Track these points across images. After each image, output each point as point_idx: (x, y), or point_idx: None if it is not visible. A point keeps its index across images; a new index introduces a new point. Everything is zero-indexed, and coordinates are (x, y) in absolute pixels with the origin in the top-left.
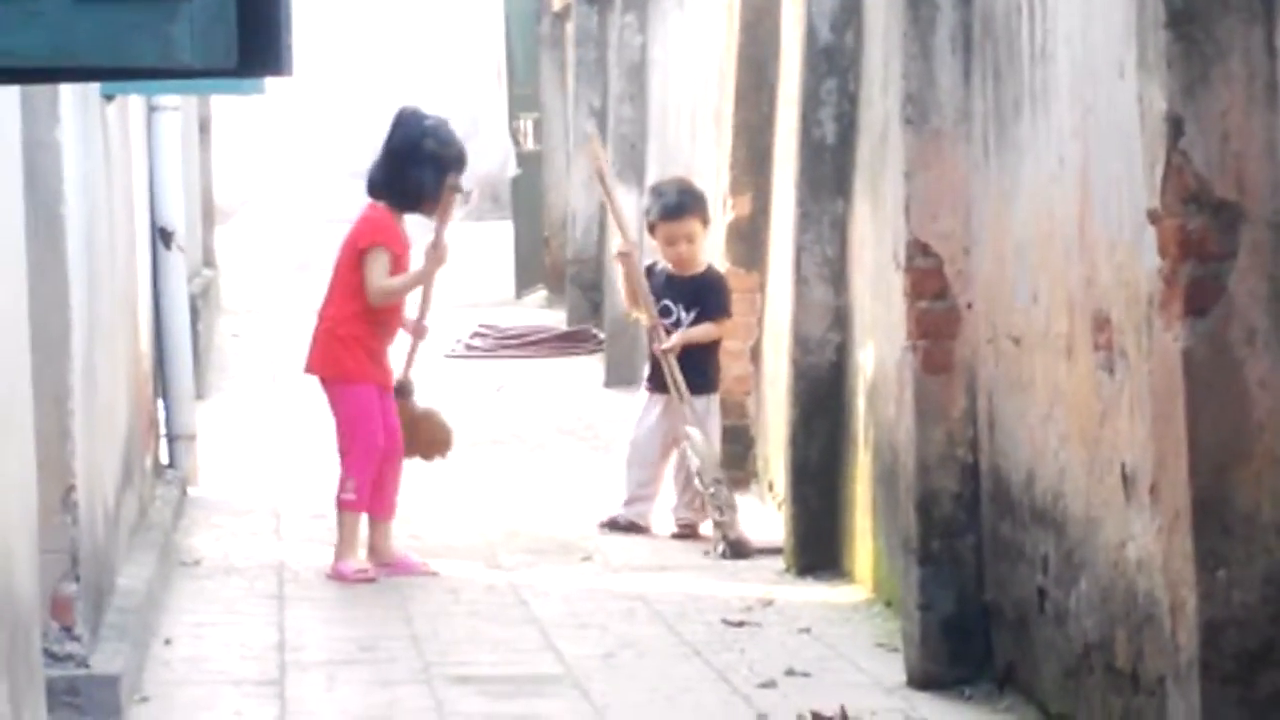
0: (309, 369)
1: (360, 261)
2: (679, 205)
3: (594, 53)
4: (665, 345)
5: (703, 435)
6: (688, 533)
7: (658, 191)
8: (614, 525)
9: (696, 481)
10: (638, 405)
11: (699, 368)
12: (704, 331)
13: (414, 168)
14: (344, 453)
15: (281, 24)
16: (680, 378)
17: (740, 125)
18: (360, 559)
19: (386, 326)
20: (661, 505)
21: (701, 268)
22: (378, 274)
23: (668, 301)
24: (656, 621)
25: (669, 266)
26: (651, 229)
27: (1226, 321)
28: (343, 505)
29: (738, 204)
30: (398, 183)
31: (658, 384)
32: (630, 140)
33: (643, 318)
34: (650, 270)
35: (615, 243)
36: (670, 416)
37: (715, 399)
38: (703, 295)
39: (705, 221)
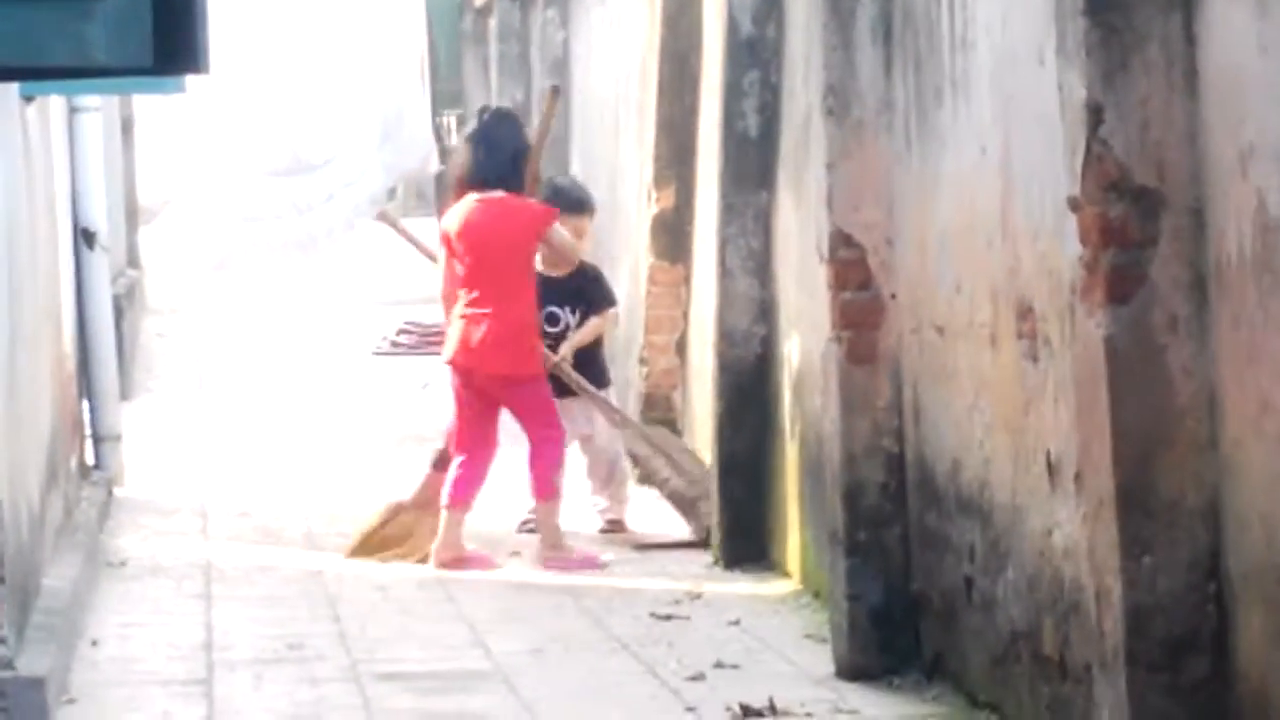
0: (505, 370)
1: (531, 253)
2: (581, 201)
3: (516, 48)
4: (558, 358)
5: (609, 425)
6: (614, 529)
7: (556, 187)
8: (529, 528)
9: (618, 473)
10: None
11: (592, 363)
12: (592, 329)
13: (521, 158)
14: (544, 442)
15: (198, 22)
16: (580, 379)
17: (663, 119)
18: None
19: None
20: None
21: (576, 265)
22: (569, 239)
23: (553, 308)
24: (584, 616)
25: (543, 270)
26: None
27: (1148, 308)
28: (555, 495)
29: (661, 197)
30: (516, 172)
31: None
32: (554, 135)
33: None
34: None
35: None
36: (571, 416)
37: (611, 391)
38: (586, 292)
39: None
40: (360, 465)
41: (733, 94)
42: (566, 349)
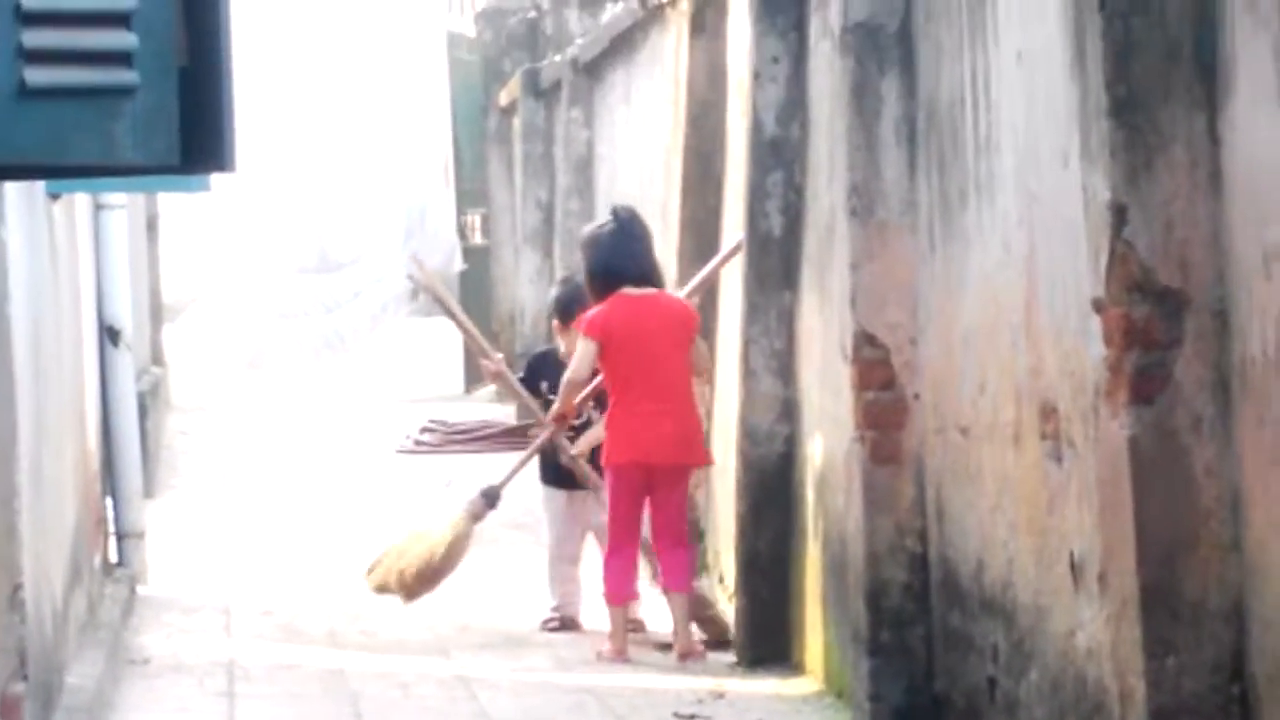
0: (704, 460)
1: (691, 344)
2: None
3: (540, 147)
4: (575, 450)
5: None
6: (632, 628)
7: (576, 283)
8: (552, 626)
9: None
10: (544, 504)
11: (597, 458)
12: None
13: (654, 253)
14: (685, 533)
15: (225, 121)
16: (593, 473)
17: (687, 219)
18: None
19: None
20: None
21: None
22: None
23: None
24: (607, 715)
25: (566, 360)
26: (566, 319)
27: (1172, 409)
28: (692, 588)
29: (686, 297)
30: (657, 268)
31: (557, 479)
32: (577, 234)
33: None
34: (544, 359)
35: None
36: (578, 507)
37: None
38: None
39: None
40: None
41: (756, 194)
42: (584, 444)
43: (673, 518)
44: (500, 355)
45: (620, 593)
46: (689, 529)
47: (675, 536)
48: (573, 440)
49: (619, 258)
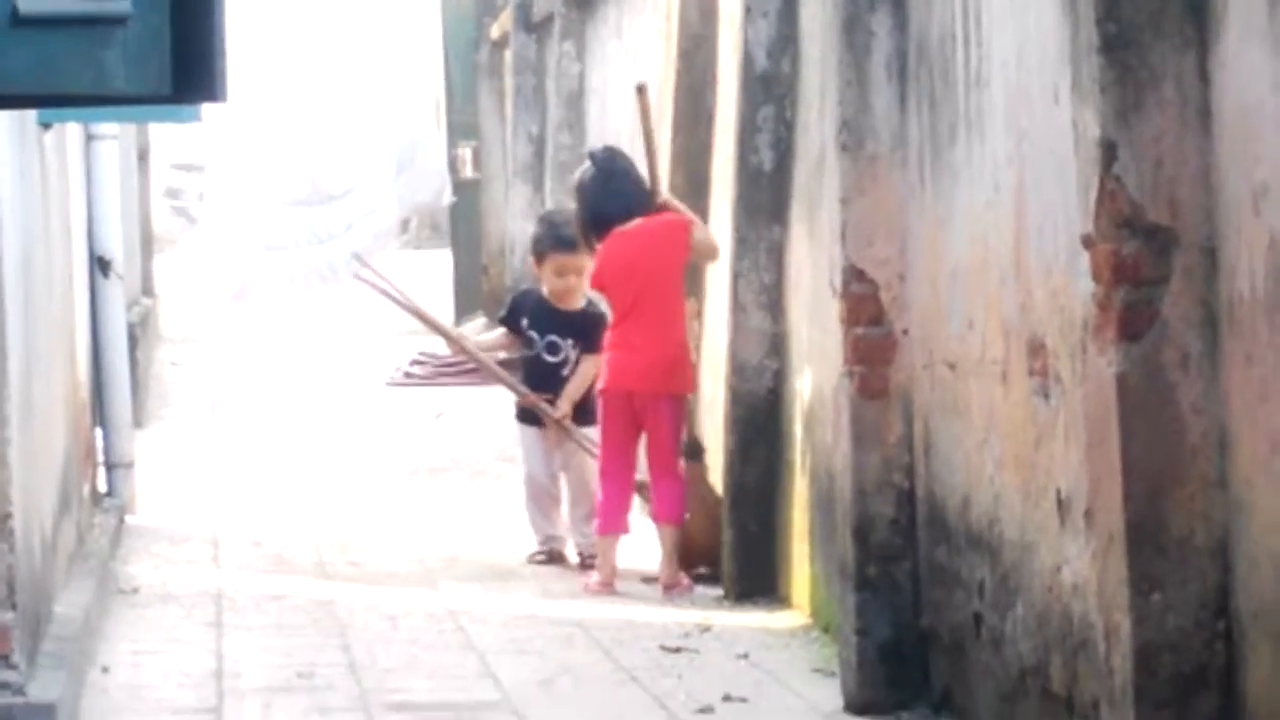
0: (685, 388)
1: (680, 270)
2: (575, 238)
3: (532, 81)
4: (558, 414)
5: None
6: (593, 564)
7: (551, 221)
8: (540, 559)
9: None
10: (519, 439)
11: (581, 405)
12: (584, 379)
13: (641, 183)
14: (675, 463)
15: (216, 51)
16: (576, 431)
17: (678, 153)
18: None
19: None
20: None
21: (581, 303)
22: (707, 238)
23: (554, 337)
24: (594, 648)
25: (548, 299)
26: (540, 258)
27: (1160, 346)
28: (682, 519)
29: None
30: (642, 198)
31: (531, 416)
32: (569, 168)
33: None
34: (526, 296)
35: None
36: (553, 443)
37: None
38: (587, 331)
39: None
40: (372, 495)
41: (747, 129)
42: (565, 405)
43: (661, 447)
44: (460, 331)
45: (607, 524)
46: (678, 452)
47: (664, 467)
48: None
49: (602, 202)
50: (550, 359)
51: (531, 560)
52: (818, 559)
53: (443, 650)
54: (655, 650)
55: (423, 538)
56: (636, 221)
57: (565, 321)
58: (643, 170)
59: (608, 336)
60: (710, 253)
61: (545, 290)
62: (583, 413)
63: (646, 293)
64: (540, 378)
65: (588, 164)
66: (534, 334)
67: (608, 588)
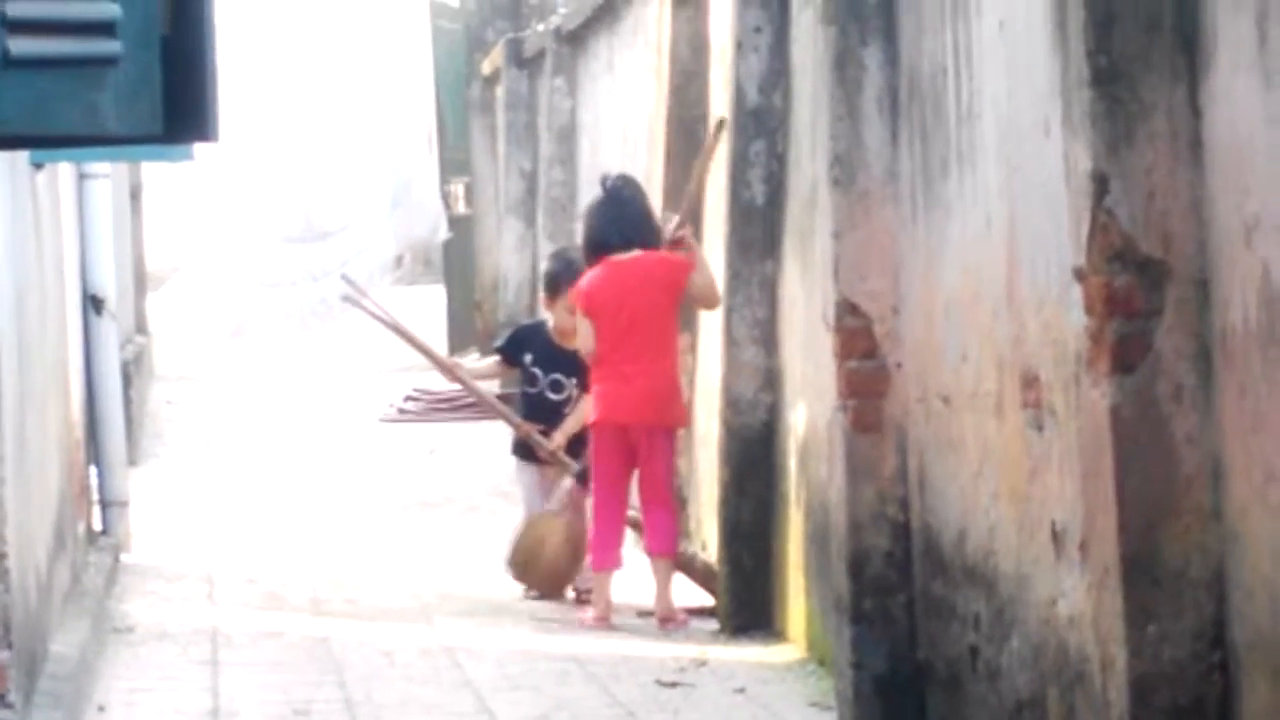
0: (679, 422)
1: (675, 307)
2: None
3: (524, 116)
4: (553, 446)
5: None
6: (589, 599)
7: (566, 258)
8: (533, 595)
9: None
10: (516, 476)
11: (576, 439)
12: (584, 417)
13: (650, 216)
14: (669, 497)
15: (207, 90)
16: (568, 460)
17: (670, 188)
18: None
19: None
20: None
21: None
22: (708, 279)
23: (559, 375)
24: (590, 683)
25: (554, 336)
26: (554, 293)
27: (1153, 378)
28: (675, 552)
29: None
30: (649, 230)
31: (529, 452)
32: (561, 203)
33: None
34: (533, 331)
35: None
36: (550, 479)
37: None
38: (587, 371)
39: None
40: (366, 531)
41: (739, 163)
42: (560, 438)
43: (654, 480)
44: (455, 360)
45: (601, 559)
46: (673, 497)
47: (657, 499)
48: (555, 412)
49: (602, 226)
50: (554, 397)
51: (527, 595)
52: (813, 593)
53: (438, 686)
54: (651, 685)
55: (417, 573)
56: (635, 253)
57: (571, 361)
58: (680, 203)
59: (596, 368)
60: (709, 300)
61: (552, 325)
62: (579, 448)
63: (636, 325)
64: (543, 415)
65: (603, 186)
66: (537, 371)
67: (603, 622)
